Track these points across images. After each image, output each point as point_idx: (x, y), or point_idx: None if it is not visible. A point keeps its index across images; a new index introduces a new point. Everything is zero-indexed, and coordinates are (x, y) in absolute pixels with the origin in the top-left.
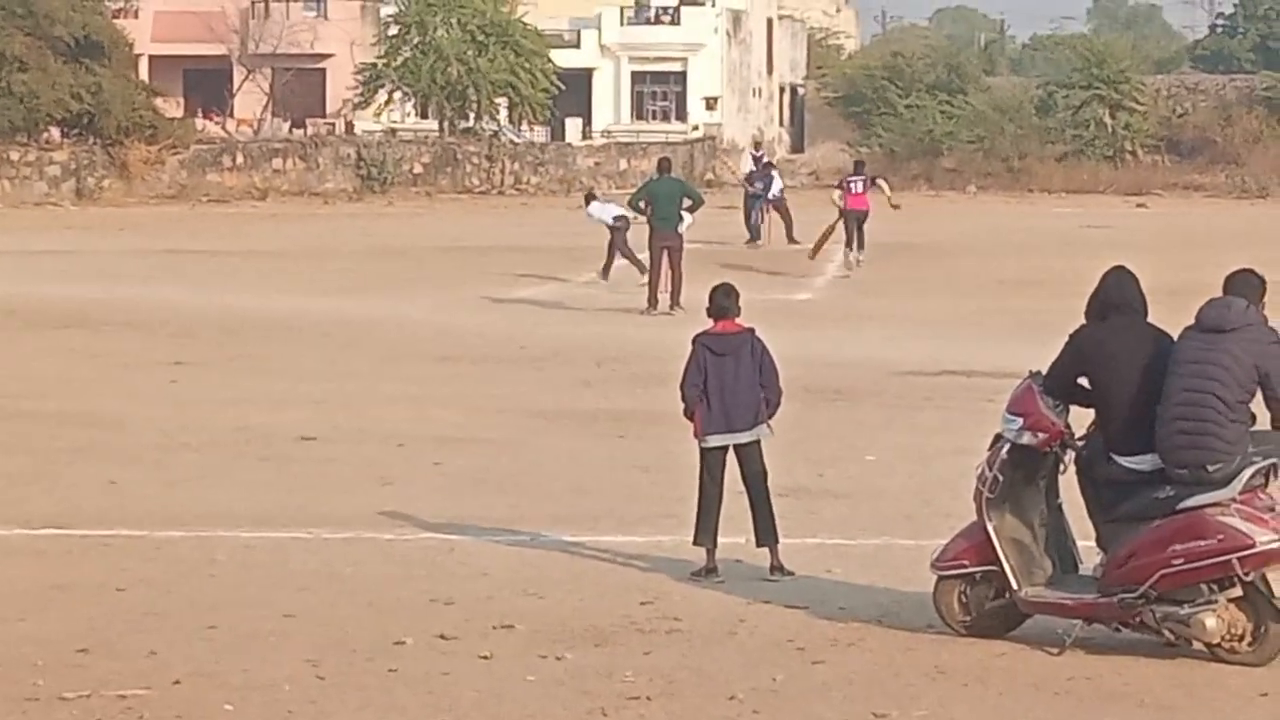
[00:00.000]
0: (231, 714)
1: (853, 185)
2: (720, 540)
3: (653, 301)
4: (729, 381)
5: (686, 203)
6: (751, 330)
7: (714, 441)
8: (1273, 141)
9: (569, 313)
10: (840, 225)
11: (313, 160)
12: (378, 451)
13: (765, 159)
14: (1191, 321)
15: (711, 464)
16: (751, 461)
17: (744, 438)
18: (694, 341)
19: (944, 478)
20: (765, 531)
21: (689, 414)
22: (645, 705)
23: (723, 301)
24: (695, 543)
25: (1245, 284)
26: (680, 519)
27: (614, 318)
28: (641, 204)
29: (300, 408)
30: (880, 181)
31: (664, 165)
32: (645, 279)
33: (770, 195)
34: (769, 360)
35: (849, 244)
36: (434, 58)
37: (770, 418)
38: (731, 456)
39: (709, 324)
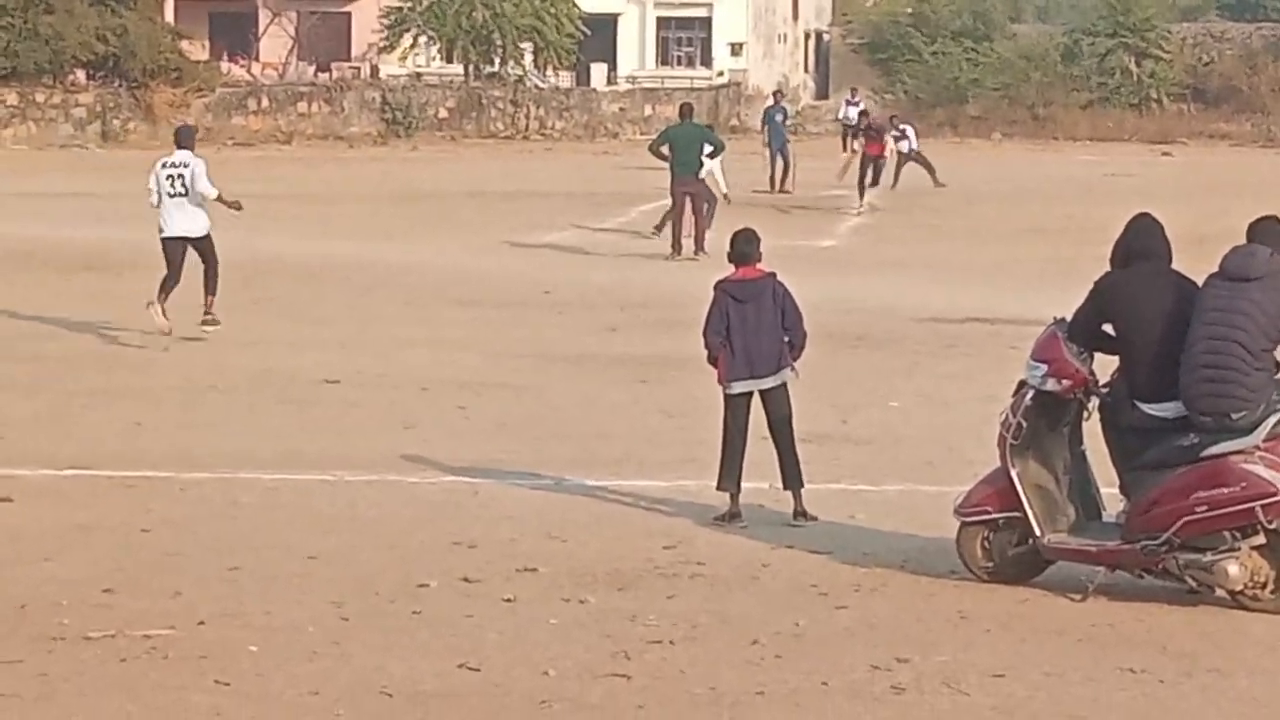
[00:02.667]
0: (256, 654)
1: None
2: (744, 485)
3: (677, 247)
4: (751, 327)
5: (708, 149)
6: (773, 275)
7: (738, 388)
8: None
9: (592, 258)
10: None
11: (338, 104)
12: (401, 395)
13: (897, 122)
14: (1215, 269)
15: (736, 410)
16: (777, 406)
17: (768, 383)
18: (716, 288)
19: (967, 424)
20: (791, 476)
21: (712, 360)
22: (668, 649)
23: (744, 247)
24: (719, 488)
25: (1269, 231)
26: (703, 463)
27: (638, 263)
28: (664, 149)
29: (324, 351)
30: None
31: (685, 110)
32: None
33: (909, 149)
34: (791, 303)
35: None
36: (459, 2)
37: (795, 360)
38: (757, 401)
39: (730, 270)
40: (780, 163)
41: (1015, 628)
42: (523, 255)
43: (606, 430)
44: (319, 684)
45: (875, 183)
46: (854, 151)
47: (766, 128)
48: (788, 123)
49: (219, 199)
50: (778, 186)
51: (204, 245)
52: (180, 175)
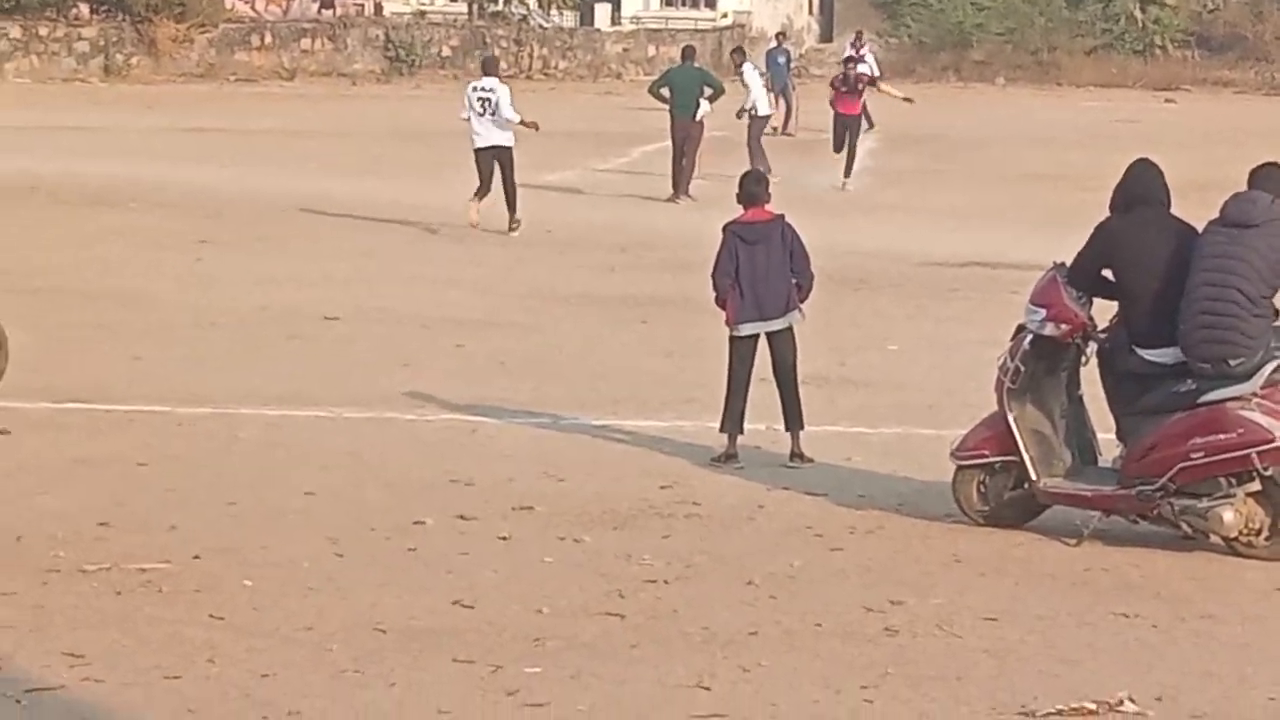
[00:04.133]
0: (250, 589)
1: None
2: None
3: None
4: (760, 269)
5: (707, 91)
6: (781, 217)
7: (746, 330)
8: None
9: (594, 198)
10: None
11: (341, 41)
12: (401, 333)
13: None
14: (1216, 216)
15: (742, 352)
16: (783, 348)
17: (775, 325)
18: (724, 230)
19: (966, 368)
20: (792, 418)
21: (720, 302)
22: (662, 588)
23: (753, 188)
24: (721, 429)
25: (1269, 178)
26: (701, 404)
27: (639, 204)
28: (663, 91)
29: (324, 288)
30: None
31: (687, 53)
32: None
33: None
34: (799, 246)
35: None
36: None
37: (802, 302)
38: (763, 343)
39: (739, 211)
40: (782, 105)
41: (1009, 571)
42: (524, 194)
43: (605, 370)
44: (313, 619)
45: (852, 156)
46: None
47: (769, 70)
48: (791, 65)
49: (521, 123)
50: (780, 129)
51: (505, 157)
52: (487, 98)
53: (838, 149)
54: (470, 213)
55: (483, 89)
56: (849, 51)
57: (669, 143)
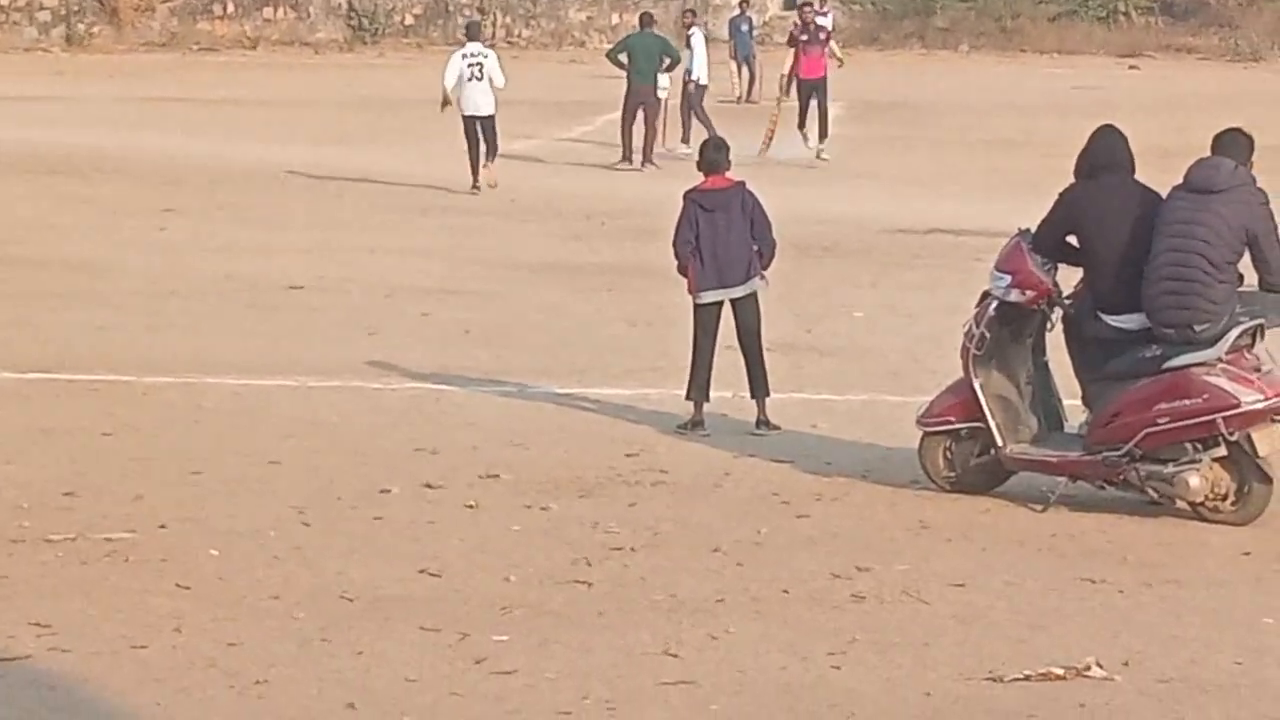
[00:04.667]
0: (216, 559)
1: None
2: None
3: (627, 156)
4: (721, 237)
5: (665, 61)
6: (742, 184)
7: (707, 298)
8: (1267, 4)
9: (557, 166)
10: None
11: (304, 10)
12: (365, 301)
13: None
14: (1180, 182)
15: (705, 319)
16: (746, 315)
17: (737, 292)
18: (685, 197)
19: (931, 335)
20: (757, 385)
21: (682, 270)
22: (629, 556)
23: (713, 155)
24: (687, 397)
25: (1233, 143)
26: (665, 372)
27: (603, 173)
28: (621, 58)
29: (288, 256)
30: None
31: (645, 20)
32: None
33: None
34: (760, 213)
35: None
36: None
37: (765, 269)
38: (727, 310)
39: (700, 179)
40: (746, 73)
41: (976, 537)
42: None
43: (570, 338)
44: (279, 588)
45: (825, 119)
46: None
47: (732, 38)
48: (754, 33)
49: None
50: (744, 98)
51: (488, 124)
52: (479, 63)
53: (803, 121)
54: (489, 176)
55: (472, 55)
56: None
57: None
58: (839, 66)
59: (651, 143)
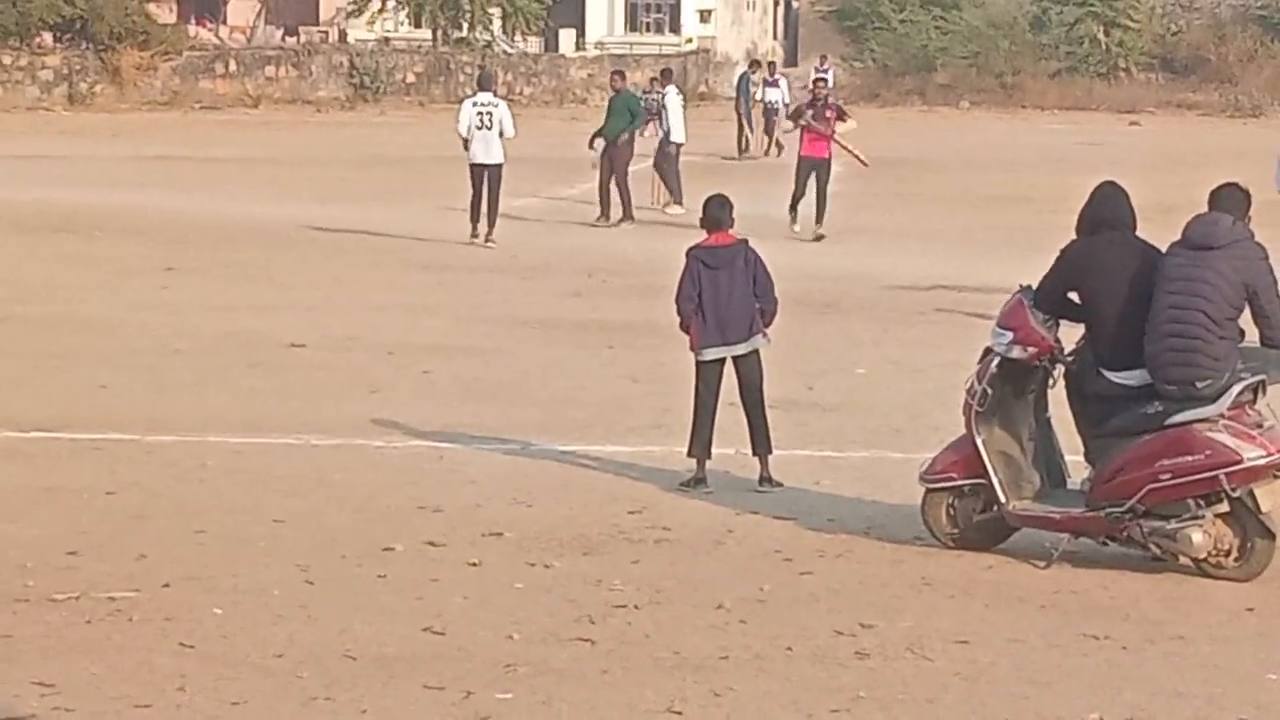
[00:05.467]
0: (220, 617)
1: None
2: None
3: (605, 213)
4: (723, 294)
5: (631, 119)
6: (745, 241)
7: (709, 355)
8: (1266, 60)
9: (560, 224)
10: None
11: (305, 68)
12: (367, 359)
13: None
14: (1178, 238)
15: (707, 376)
16: (749, 373)
17: (739, 349)
18: (688, 254)
19: (933, 391)
20: (759, 442)
21: (684, 328)
22: (632, 614)
23: (716, 213)
24: (689, 454)
25: (1230, 198)
26: (669, 429)
27: (603, 230)
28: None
29: (290, 314)
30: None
31: (616, 80)
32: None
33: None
34: (763, 270)
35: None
36: None
37: (766, 327)
38: (729, 368)
39: (703, 236)
40: (759, 131)
41: (979, 594)
42: None
43: (573, 395)
44: (283, 647)
45: (824, 202)
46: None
47: (739, 95)
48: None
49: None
50: (758, 149)
51: (495, 174)
52: (488, 113)
53: (796, 200)
54: (486, 234)
55: (483, 104)
56: (816, 74)
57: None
58: (864, 166)
59: (627, 198)
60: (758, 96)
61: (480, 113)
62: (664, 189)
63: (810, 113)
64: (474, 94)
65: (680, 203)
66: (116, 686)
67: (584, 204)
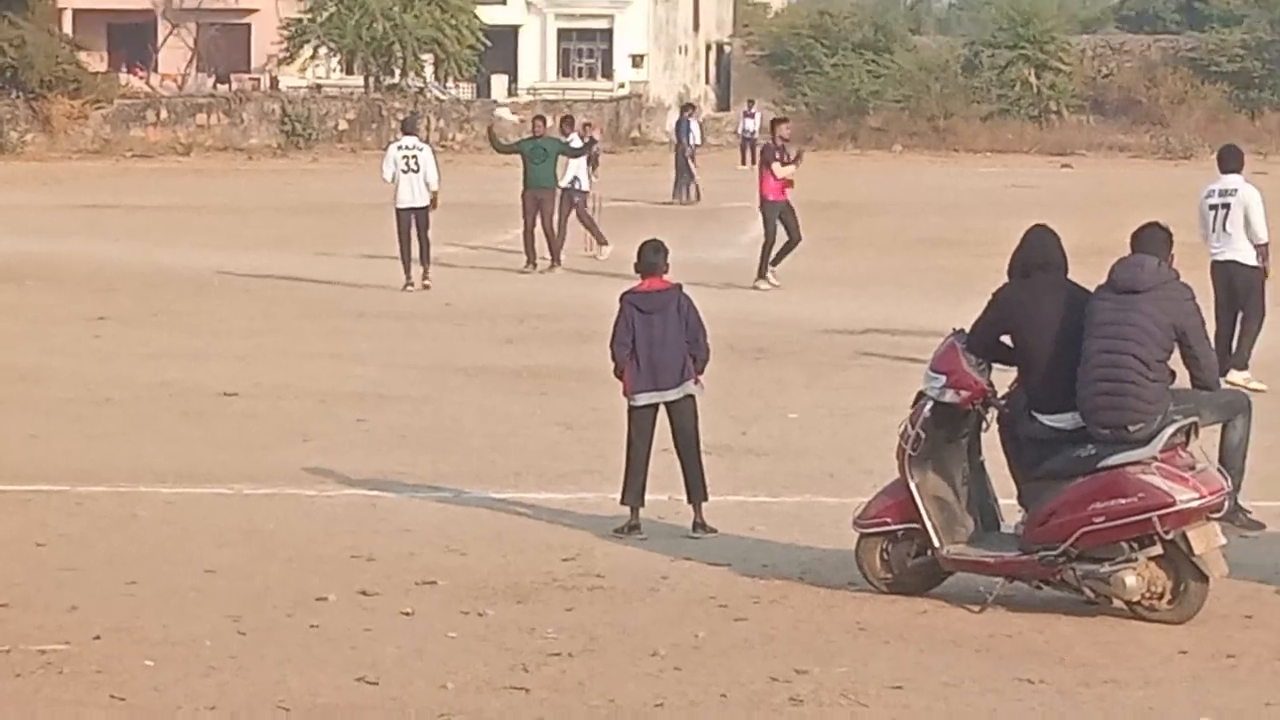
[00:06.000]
0: (152, 669)
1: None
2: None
3: (532, 260)
4: (656, 339)
5: (564, 161)
6: (679, 287)
7: (642, 400)
8: (1197, 102)
9: (492, 270)
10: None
11: (237, 116)
12: (299, 407)
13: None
14: (1104, 281)
15: (640, 422)
16: (683, 419)
17: (671, 395)
18: (621, 299)
19: (867, 435)
20: (694, 489)
21: (618, 373)
22: (567, 661)
23: (651, 258)
24: (623, 501)
25: (1152, 239)
26: (602, 475)
27: (536, 276)
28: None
29: (222, 363)
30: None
31: (537, 125)
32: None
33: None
34: (695, 316)
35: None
36: (360, 13)
37: (700, 374)
38: (663, 413)
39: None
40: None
41: (914, 639)
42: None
43: (506, 442)
44: (216, 698)
45: (789, 244)
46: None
47: (680, 139)
48: (693, 135)
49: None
50: (689, 197)
51: (422, 218)
52: (414, 156)
53: (768, 251)
54: (423, 278)
55: (408, 148)
56: (744, 121)
57: (571, 215)
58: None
59: (558, 243)
60: (738, 129)
61: (406, 156)
62: (590, 236)
63: (778, 156)
64: (399, 138)
65: (606, 242)
66: None
67: (516, 251)
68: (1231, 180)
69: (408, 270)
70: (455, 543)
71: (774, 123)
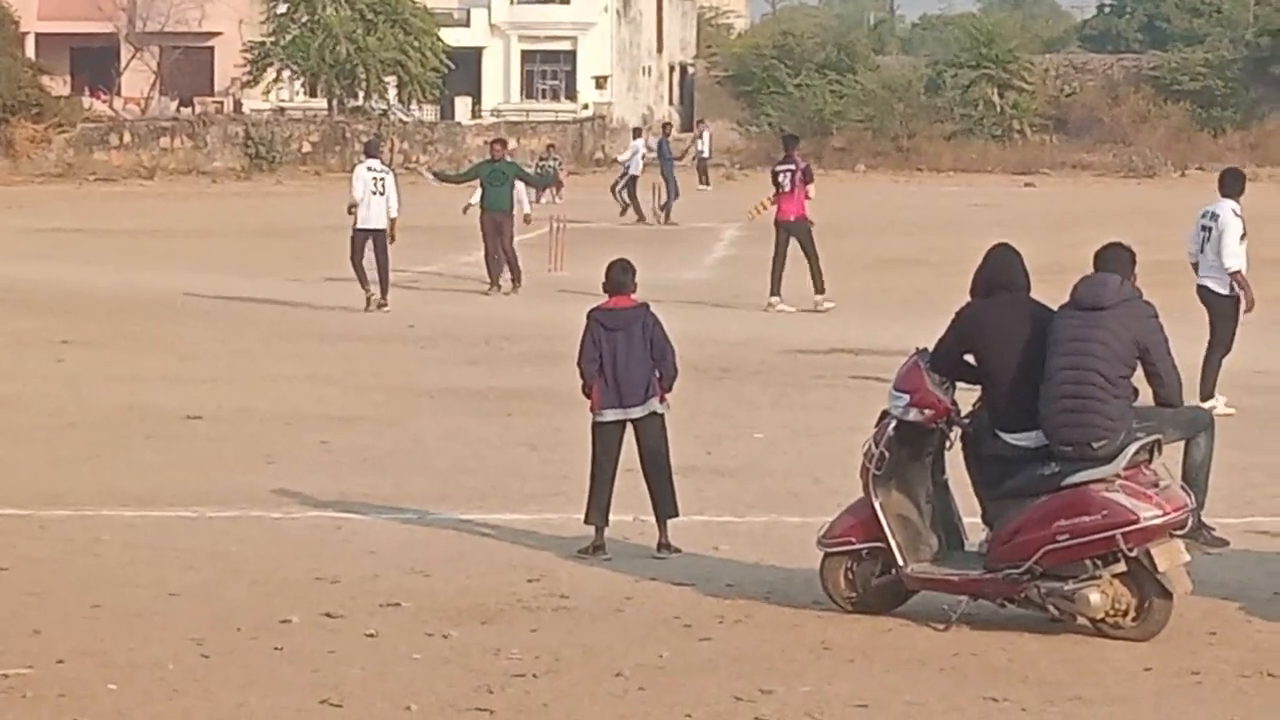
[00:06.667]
0: (115, 693)
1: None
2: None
3: (495, 282)
4: (621, 356)
5: (521, 186)
6: (645, 306)
7: (608, 416)
8: (1159, 121)
9: (456, 292)
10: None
11: (201, 139)
12: (264, 430)
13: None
14: (1067, 299)
15: (605, 439)
16: (650, 437)
17: (636, 413)
18: (588, 316)
19: (831, 455)
20: (662, 507)
21: (586, 391)
22: (531, 682)
23: (619, 277)
24: (587, 521)
25: (1116, 259)
26: (567, 496)
27: (501, 297)
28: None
29: (187, 386)
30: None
31: (496, 148)
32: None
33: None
34: (661, 334)
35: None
36: (323, 36)
37: (666, 392)
38: (629, 434)
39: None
40: (662, 192)
41: (878, 658)
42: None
43: (470, 463)
44: None
45: (818, 273)
46: (763, 206)
47: (660, 158)
48: (646, 157)
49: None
50: (665, 218)
51: (380, 240)
52: (382, 178)
53: (779, 272)
54: (370, 289)
55: (376, 169)
56: (698, 142)
57: (543, 231)
58: (760, 210)
59: (516, 265)
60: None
61: (375, 178)
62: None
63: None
64: (364, 160)
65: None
66: None
67: (480, 272)
68: (1220, 205)
69: (365, 283)
70: (420, 564)
71: (793, 140)
